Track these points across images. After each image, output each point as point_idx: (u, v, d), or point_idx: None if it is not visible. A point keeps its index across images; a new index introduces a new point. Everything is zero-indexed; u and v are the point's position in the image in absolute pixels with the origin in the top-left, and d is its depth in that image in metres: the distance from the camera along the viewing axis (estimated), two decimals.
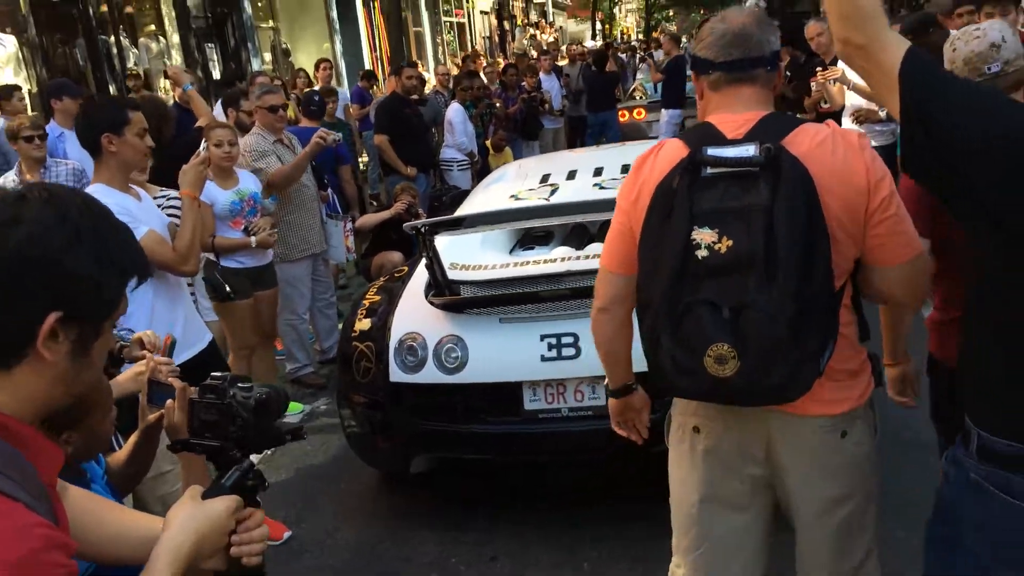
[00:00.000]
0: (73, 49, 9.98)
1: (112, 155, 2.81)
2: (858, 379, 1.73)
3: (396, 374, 3.12)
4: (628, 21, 50.01)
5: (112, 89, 9.78)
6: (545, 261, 3.44)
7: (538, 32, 27.45)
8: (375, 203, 7.73)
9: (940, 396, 2.15)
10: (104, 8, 10.39)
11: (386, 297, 3.52)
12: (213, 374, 1.45)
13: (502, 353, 3.03)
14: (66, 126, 5.05)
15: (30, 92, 8.35)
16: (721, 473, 1.78)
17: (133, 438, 1.97)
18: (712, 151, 1.59)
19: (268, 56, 13.72)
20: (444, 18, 23.17)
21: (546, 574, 2.89)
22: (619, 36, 34.81)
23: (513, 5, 30.83)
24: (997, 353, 1.38)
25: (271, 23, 14.37)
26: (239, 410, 1.36)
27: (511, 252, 3.81)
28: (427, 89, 8.94)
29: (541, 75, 10.25)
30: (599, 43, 18.97)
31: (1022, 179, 1.24)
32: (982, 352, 1.42)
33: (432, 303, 3.19)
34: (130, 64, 10.60)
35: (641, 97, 12.02)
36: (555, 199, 3.86)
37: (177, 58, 10.94)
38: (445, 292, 3.20)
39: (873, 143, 1.77)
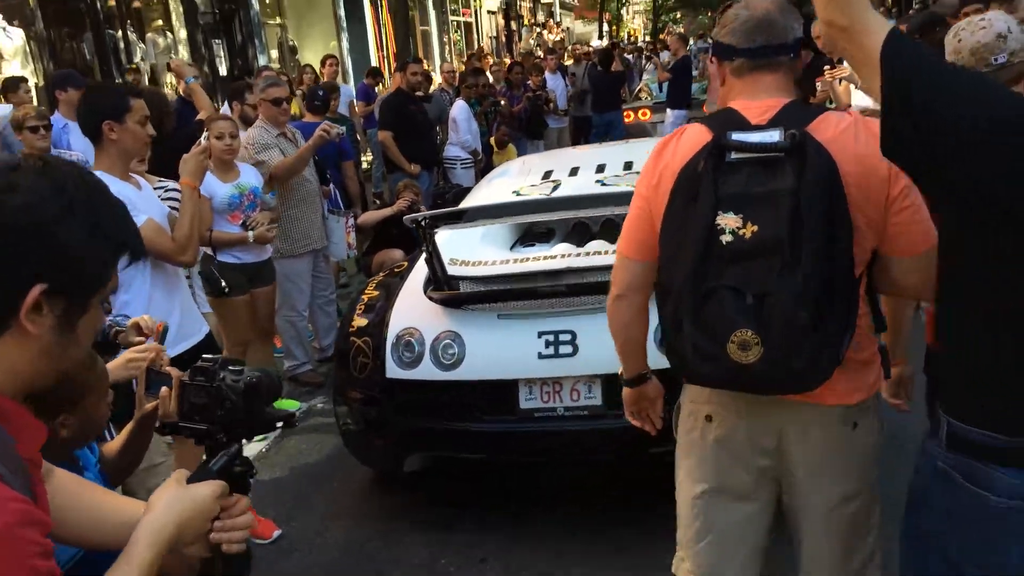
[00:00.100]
0: (80, 43, 10.00)
1: (112, 142, 2.79)
2: (870, 370, 1.73)
3: (393, 370, 3.09)
4: (635, 23, 49.97)
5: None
6: (545, 258, 3.42)
7: (545, 32, 27.43)
8: (378, 201, 7.71)
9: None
10: (112, 3, 10.41)
11: (384, 293, 3.50)
12: (204, 356, 1.43)
13: (499, 350, 3.01)
14: (70, 117, 5.04)
15: (36, 85, 8.35)
16: (730, 463, 1.77)
17: (128, 428, 1.96)
18: (737, 136, 1.59)
19: (275, 53, 13.73)
20: (451, 17, 23.19)
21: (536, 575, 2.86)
22: (626, 37, 34.75)
23: (520, 5, 30.82)
24: (971, 341, 1.38)
25: (278, 20, 14.38)
26: (228, 393, 1.34)
27: (511, 249, 3.79)
28: (432, 88, 8.93)
29: (547, 74, 10.23)
30: (605, 43, 18.93)
31: (991, 159, 1.23)
32: (956, 340, 1.42)
33: (431, 298, 3.16)
34: (136, 59, 10.61)
35: (647, 98, 12.00)
36: (557, 195, 3.84)
37: (184, 54, 10.95)
38: (444, 287, 3.18)
39: None
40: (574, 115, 10.71)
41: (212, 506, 1.21)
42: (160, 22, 11.45)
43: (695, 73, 10.92)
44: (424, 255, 3.23)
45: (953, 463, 1.41)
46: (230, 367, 1.36)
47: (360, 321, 3.34)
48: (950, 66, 1.38)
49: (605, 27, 35.33)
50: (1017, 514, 1.34)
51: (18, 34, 8.75)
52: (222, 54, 12.30)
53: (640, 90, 12.84)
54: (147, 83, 9.81)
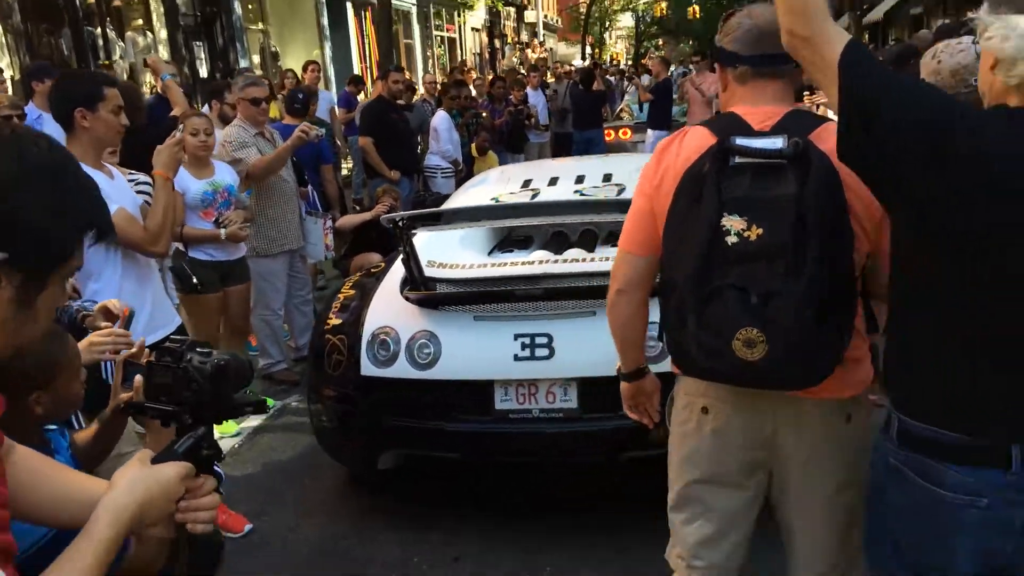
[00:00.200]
0: (59, 39, 9.88)
1: (85, 130, 2.75)
2: (862, 366, 1.77)
3: (367, 368, 3.07)
4: (618, 47, 50.60)
5: None
6: (523, 263, 3.43)
7: (528, 50, 27.67)
8: (358, 207, 7.69)
9: None
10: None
11: (361, 292, 3.48)
12: (172, 336, 1.41)
13: (475, 351, 3.00)
14: (45, 108, 4.96)
15: (12, 79, 8.24)
16: (725, 454, 1.82)
17: (100, 417, 1.93)
18: (741, 141, 1.63)
19: (256, 58, 13.68)
20: (435, 32, 23.30)
21: (508, 575, 2.84)
22: (608, 60, 35.17)
23: (504, 24, 31.08)
24: (920, 341, 1.43)
25: (261, 25, 14.35)
26: (195, 375, 1.32)
27: (489, 254, 3.79)
28: (415, 98, 8.95)
29: (528, 90, 10.30)
30: (587, 63, 19.16)
31: (953, 168, 1.28)
32: (905, 339, 1.47)
33: (407, 298, 3.15)
34: (115, 56, 10.51)
35: (628, 118, 12.13)
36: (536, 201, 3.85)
37: (164, 54, 10.86)
38: (421, 288, 3.17)
39: None
40: (555, 131, 10.79)
41: (176, 487, 1.19)
42: (140, 21, 11.36)
43: (675, 96, 11.09)
44: (401, 256, 3.22)
45: (904, 460, 1.45)
46: (198, 349, 1.35)
47: (336, 319, 3.32)
48: (904, 77, 1.45)
49: (588, 49, 35.73)
50: (968, 509, 1.38)
51: None
52: (203, 56, 12.23)
53: (621, 110, 12.98)
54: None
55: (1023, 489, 1.35)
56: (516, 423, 2.95)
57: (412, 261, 3.19)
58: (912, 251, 1.41)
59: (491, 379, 2.97)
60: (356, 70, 15.47)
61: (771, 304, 1.54)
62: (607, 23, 42.38)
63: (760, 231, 1.56)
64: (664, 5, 38.71)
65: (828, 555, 1.83)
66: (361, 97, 10.01)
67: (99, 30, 10.38)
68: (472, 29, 27.55)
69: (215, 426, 1.32)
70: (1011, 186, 1.28)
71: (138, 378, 1.66)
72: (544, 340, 2.95)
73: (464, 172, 7.92)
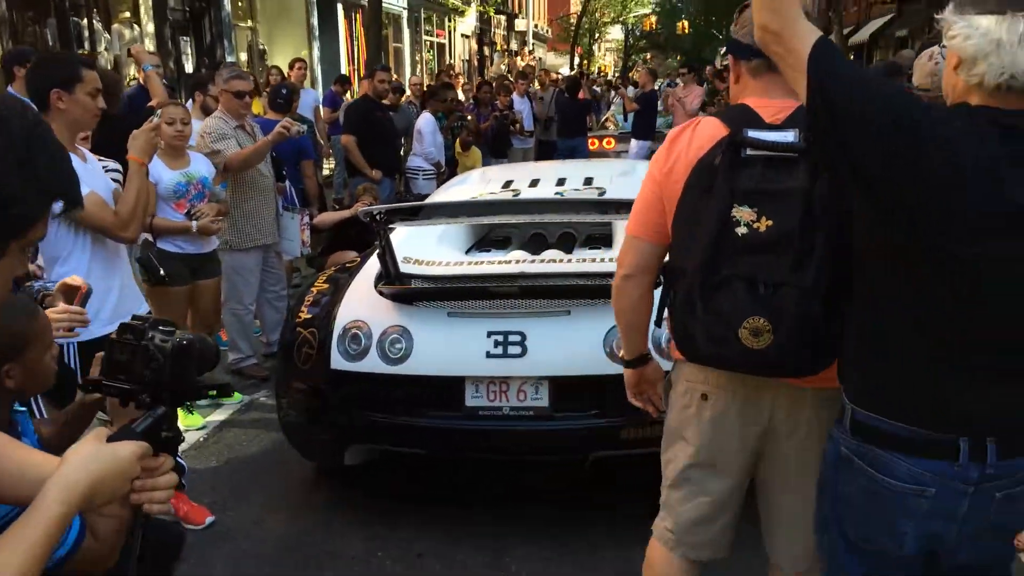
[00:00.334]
0: (44, 28, 9.80)
1: (60, 112, 2.71)
2: None
3: (338, 362, 3.04)
4: (606, 59, 50.88)
5: None
6: (500, 262, 3.42)
7: (518, 59, 27.76)
8: (338, 206, 7.65)
9: None
10: None
11: (334, 286, 3.45)
12: (135, 314, 1.38)
13: (447, 347, 2.98)
14: (24, 94, 4.91)
15: None
16: (722, 440, 1.86)
17: (69, 408, 1.91)
18: (753, 133, 1.66)
19: (244, 56, 13.62)
20: (425, 37, 23.32)
21: (472, 573, 2.82)
22: (596, 72, 35.37)
23: (495, 32, 31.18)
24: (876, 333, 1.46)
25: (250, 23, 14.29)
26: (155, 353, 1.29)
27: (467, 253, 3.78)
28: (403, 101, 8.93)
29: (515, 96, 10.32)
30: (574, 72, 19.25)
31: (913, 162, 1.30)
32: (861, 332, 1.50)
33: (381, 293, 3.13)
34: (100, 48, 10.42)
35: (613, 128, 12.18)
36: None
37: (150, 47, 10.77)
38: (395, 282, 3.16)
39: None
40: (540, 139, 10.80)
41: (132, 466, 1.16)
42: (127, 14, 11.28)
43: (660, 108, 11.16)
44: (377, 251, 3.20)
45: (856, 449, 1.49)
46: (161, 327, 1.32)
47: (307, 313, 3.29)
48: (870, 74, 1.47)
49: (576, 60, 35.88)
50: (914, 497, 1.43)
51: None
52: (189, 52, 12.16)
53: (606, 119, 13.04)
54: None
55: (968, 480, 1.41)
56: (486, 420, 2.93)
57: (388, 256, 3.17)
58: (876, 245, 1.43)
59: (462, 376, 2.95)
60: (344, 71, 15.45)
61: (779, 294, 1.58)
62: (596, 35, 42.63)
63: (770, 223, 1.60)
64: (653, 19, 39.03)
65: (809, 538, 1.84)
66: (347, 97, 9.98)
67: (85, 21, 10.30)
68: (462, 35, 27.61)
69: (181, 414, 1.30)
70: (974, 179, 1.29)
71: (99, 355, 1.64)
72: (517, 338, 2.94)
73: (447, 175, 7.90)
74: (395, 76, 10.32)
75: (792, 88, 1.72)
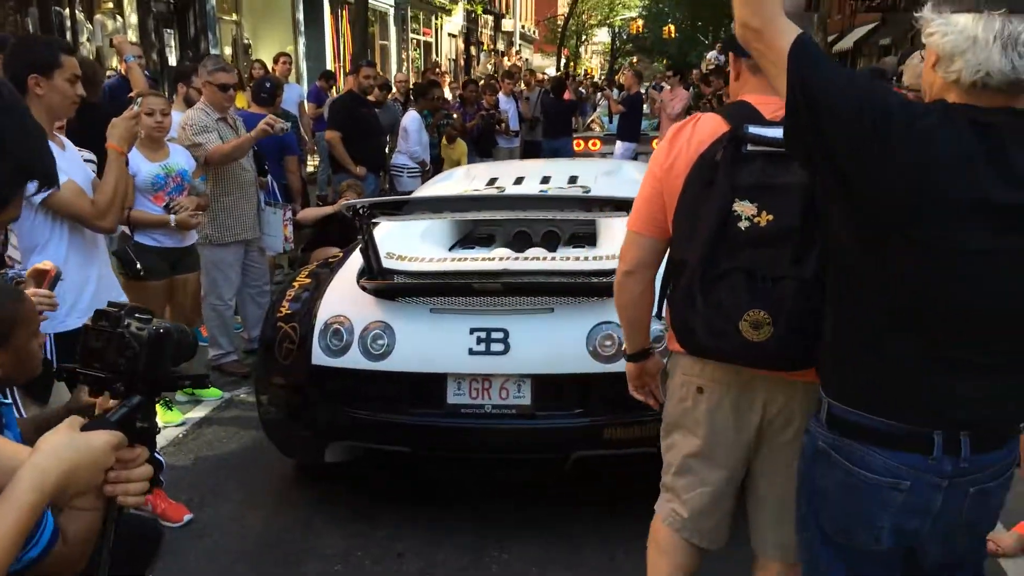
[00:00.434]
0: (25, 17, 9.65)
1: (38, 98, 2.66)
2: None
3: (319, 357, 3.01)
4: (593, 62, 51.02)
5: None
6: (483, 259, 3.40)
7: (504, 59, 27.77)
8: (321, 203, 7.61)
9: None
10: None
11: (315, 281, 3.42)
12: (111, 301, 1.35)
13: (430, 343, 2.95)
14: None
15: None
16: (718, 432, 1.89)
17: (55, 409, 1.87)
18: (754, 129, 1.68)
19: (228, 50, 13.51)
20: (412, 35, 23.25)
21: (453, 573, 2.80)
22: (582, 74, 35.45)
23: (481, 31, 31.16)
24: (853, 328, 1.47)
25: (234, 16, 14.18)
26: (131, 341, 1.26)
27: (450, 250, 3.76)
28: (388, 98, 8.89)
29: (501, 95, 10.31)
30: (560, 73, 19.28)
31: (892, 158, 1.31)
32: (838, 326, 1.51)
33: (363, 288, 3.10)
34: (82, 39, 10.29)
35: (598, 129, 12.20)
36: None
37: (133, 39, 10.66)
38: (377, 278, 3.12)
39: None
40: (525, 139, 10.80)
41: (106, 456, 1.14)
42: (110, 4, 11.16)
43: (646, 110, 11.20)
44: (360, 246, 3.17)
45: (832, 443, 1.50)
46: (137, 315, 1.29)
47: (288, 308, 3.25)
48: (848, 69, 1.48)
49: (563, 61, 35.94)
50: (889, 490, 1.45)
51: None
52: (173, 44, 12.04)
53: (592, 121, 13.05)
54: None
55: (942, 473, 1.42)
56: (468, 418, 2.91)
57: (370, 250, 3.14)
58: (854, 240, 1.42)
59: (445, 372, 2.93)
60: (329, 67, 15.37)
61: (779, 288, 1.60)
62: (583, 37, 42.75)
63: (770, 217, 1.62)
64: (640, 23, 39.17)
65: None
66: (332, 93, 9.92)
67: (67, 11, 10.16)
68: (449, 35, 27.56)
69: (160, 410, 1.27)
70: (950, 172, 1.30)
71: None
72: (500, 335, 2.92)
73: (432, 173, 7.87)
74: (380, 73, 10.27)
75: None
